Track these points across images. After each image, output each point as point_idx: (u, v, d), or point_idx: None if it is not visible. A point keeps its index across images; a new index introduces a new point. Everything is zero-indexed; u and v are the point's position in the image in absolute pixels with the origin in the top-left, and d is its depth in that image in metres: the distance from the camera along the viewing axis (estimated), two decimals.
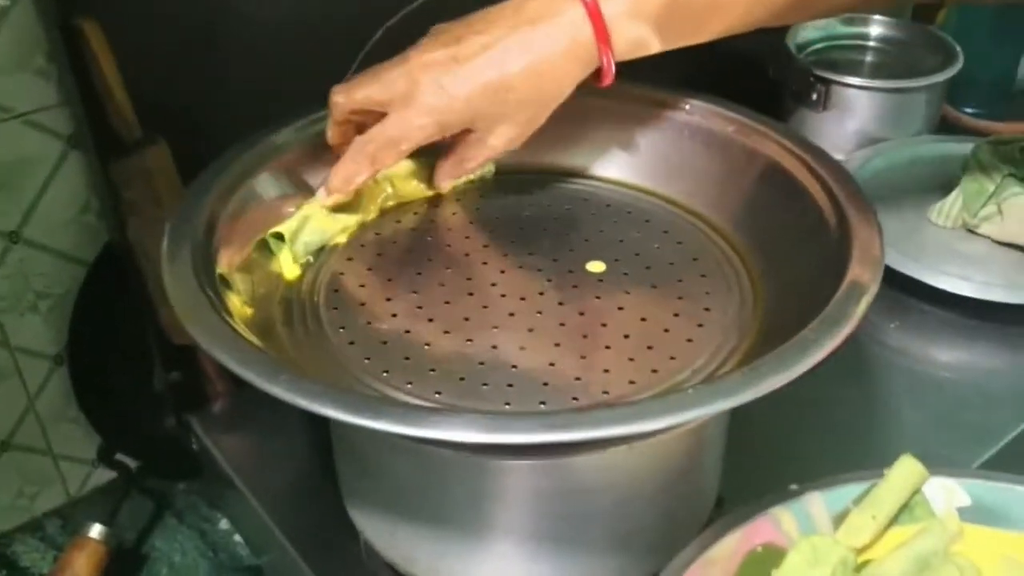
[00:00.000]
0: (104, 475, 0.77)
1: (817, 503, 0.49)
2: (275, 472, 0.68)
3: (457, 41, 0.52)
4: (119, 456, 0.75)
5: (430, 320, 0.52)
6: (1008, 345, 0.78)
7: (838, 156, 0.95)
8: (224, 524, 0.74)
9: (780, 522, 0.48)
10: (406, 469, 0.50)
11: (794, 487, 0.50)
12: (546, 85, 0.53)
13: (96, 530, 0.67)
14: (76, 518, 0.72)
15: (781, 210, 0.56)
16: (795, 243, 0.54)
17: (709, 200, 0.60)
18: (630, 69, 0.64)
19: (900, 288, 0.81)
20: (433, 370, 0.49)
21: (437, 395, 0.48)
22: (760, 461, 0.65)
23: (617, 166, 0.64)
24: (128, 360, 0.72)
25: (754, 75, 0.98)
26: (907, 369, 0.77)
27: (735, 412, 0.69)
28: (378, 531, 0.55)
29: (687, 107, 0.62)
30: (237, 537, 0.73)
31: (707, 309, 0.53)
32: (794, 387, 0.74)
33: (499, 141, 0.55)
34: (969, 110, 1.11)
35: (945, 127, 1.04)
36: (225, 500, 0.73)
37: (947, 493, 0.50)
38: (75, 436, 0.75)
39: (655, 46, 0.54)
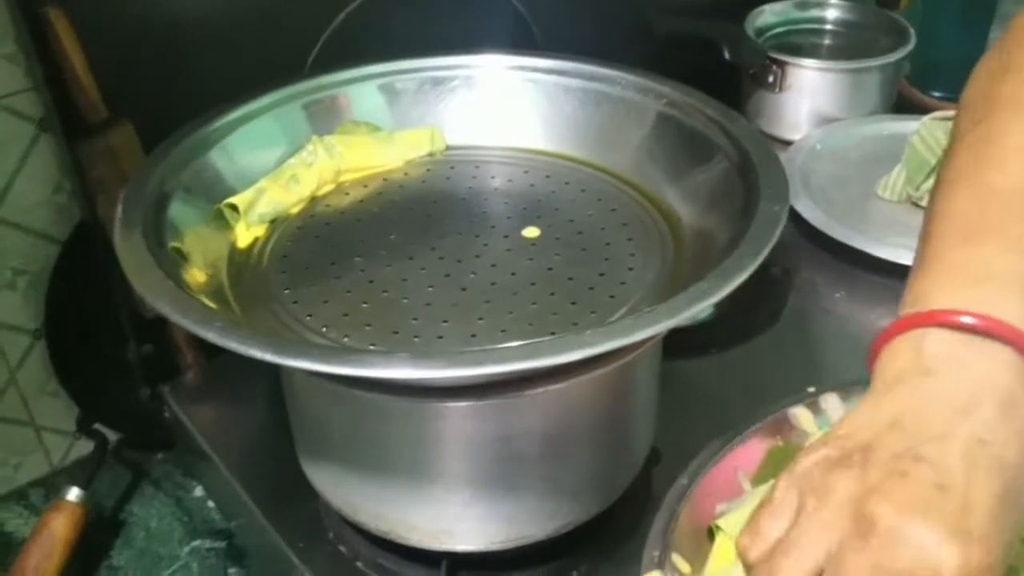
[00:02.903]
0: (86, 447, 0.81)
1: (833, 402, 0.55)
2: (242, 439, 0.72)
3: (911, 461, 0.38)
4: (97, 426, 0.78)
5: (371, 281, 0.56)
6: None
7: (795, 135, 0.99)
8: (199, 491, 0.78)
9: (799, 419, 0.55)
10: (346, 419, 0.54)
11: (811, 389, 0.56)
12: None
13: (74, 493, 0.70)
14: (58, 487, 0.75)
15: (703, 178, 0.59)
16: (712, 207, 0.57)
17: (641, 170, 0.63)
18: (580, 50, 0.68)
19: (846, 260, 0.84)
20: (369, 325, 0.53)
21: (371, 346, 0.51)
22: (699, 419, 0.68)
23: (557, 140, 0.67)
24: (103, 334, 0.75)
25: (713, 58, 1.01)
26: (851, 336, 0.80)
27: (675, 374, 0.73)
28: (327, 483, 0.59)
29: (621, 82, 0.65)
30: (211, 503, 0.76)
31: (631, 269, 0.57)
32: (742, 354, 0.78)
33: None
34: (937, 94, 1.14)
35: (912, 109, 1.07)
36: (197, 467, 0.77)
37: None
38: (56, 408, 0.79)
39: None
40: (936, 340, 0.41)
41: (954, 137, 0.50)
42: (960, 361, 0.40)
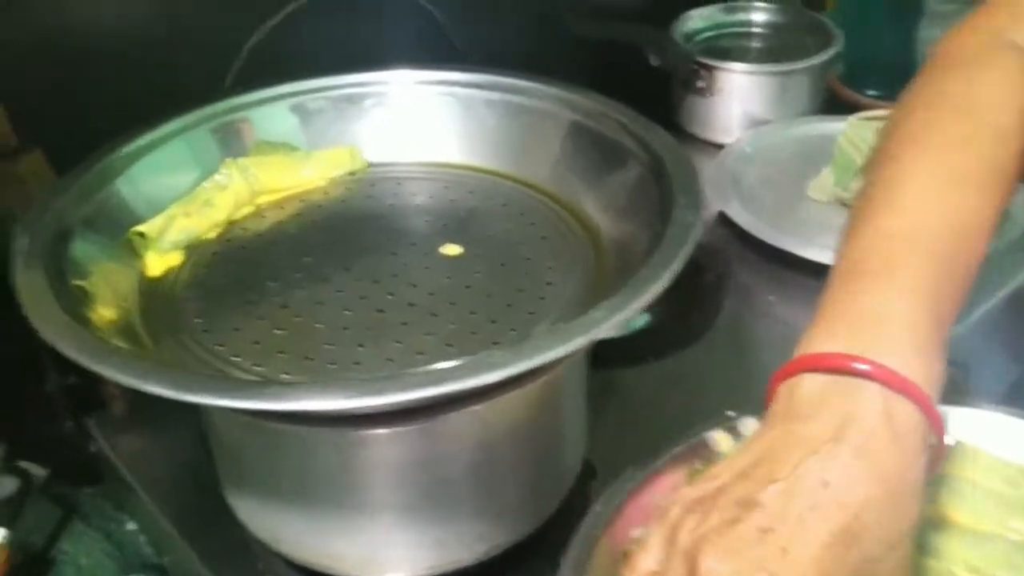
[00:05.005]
0: (10, 484, 0.79)
1: (752, 426, 0.54)
2: (169, 471, 0.70)
3: (746, 507, 0.39)
4: (22, 463, 0.76)
5: (284, 307, 0.55)
6: None
7: (727, 139, 0.99)
8: (131, 525, 0.76)
9: (718, 443, 0.54)
10: (264, 450, 0.52)
11: (730, 413, 0.55)
12: (901, 507, 0.40)
13: None
14: None
15: (618, 184, 0.59)
16: (629, 215, 0.57)
17: (561, 181, 0.63)
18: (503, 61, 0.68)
19: (779, 262, 0.84)
20: (282, 352, 0.51)
21: (285, 375, 0.50)
22: (637, 431, 0.68)
23: (478, 154, 0.66)
24: (24, 366, 0.73)
25: (645, 65, 1.01)
26: (784, 338, 0.79)
27: (611, 385, 0.72)
28: (250, 515, 0.57)
29: (538, 94, 0.64)
30: (143, 537, 0.75)
31: (550, 283, 0.56)
32: (678, 361, 0.78)
33: None
34: (873, 92, 1.15)
35: (846, 109, 1.07)
36: (125, 500, 0.75)
37: None
38: None
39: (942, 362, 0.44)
40: (807, 384, 0.42)
41: (870, 169, 0.51)
42: (827, 403, 0.41)
